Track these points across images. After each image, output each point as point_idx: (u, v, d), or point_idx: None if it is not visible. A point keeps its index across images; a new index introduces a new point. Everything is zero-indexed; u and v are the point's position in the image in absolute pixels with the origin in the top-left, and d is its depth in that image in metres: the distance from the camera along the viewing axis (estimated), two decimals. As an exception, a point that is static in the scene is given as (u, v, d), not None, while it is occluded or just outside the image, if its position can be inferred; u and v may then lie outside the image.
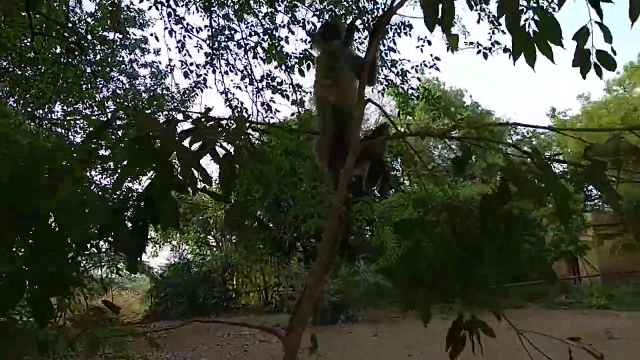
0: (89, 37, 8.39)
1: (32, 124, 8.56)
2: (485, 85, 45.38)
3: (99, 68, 8.77)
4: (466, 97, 26.64)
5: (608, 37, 1.58)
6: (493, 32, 6.00)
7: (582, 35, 1.61)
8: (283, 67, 5.76)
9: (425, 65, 5.99)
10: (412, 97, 6.66)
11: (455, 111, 21.05)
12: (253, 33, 5.87)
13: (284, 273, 15.39)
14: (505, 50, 5.89)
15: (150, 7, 6.28)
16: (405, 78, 6.09)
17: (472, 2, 5.76)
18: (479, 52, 5.70)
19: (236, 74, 6.23)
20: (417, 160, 15.58)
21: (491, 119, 23.85)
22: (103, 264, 10.58)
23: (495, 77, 46.44)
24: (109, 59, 9.03)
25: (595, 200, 19.60)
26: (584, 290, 15.31)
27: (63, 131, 10.28)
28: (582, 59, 1.65)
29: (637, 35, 1.75)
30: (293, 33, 5.97)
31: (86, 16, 8.72)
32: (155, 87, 10.46)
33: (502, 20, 1.64)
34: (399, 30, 6.06)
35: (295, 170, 8.46)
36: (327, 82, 2.45)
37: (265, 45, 5.75)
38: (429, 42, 6.04)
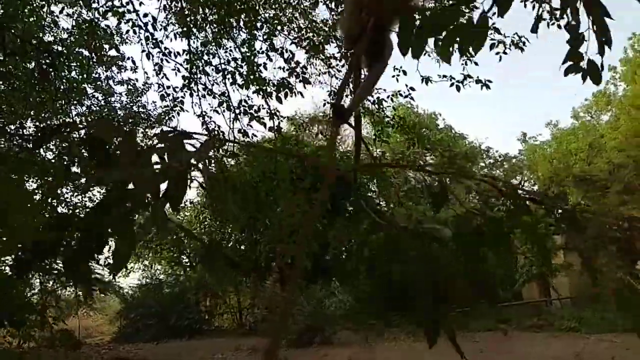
0: (64, 52, 8.26)
1: (2, 139, 8.34)
2: (459, 109, 46.49)
3: (75, 85, 8.63)
4: (440, 121, 27.19)
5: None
6: (465, 64, 6.20)
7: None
8: (261, 93, 5.80)
9: (401, 95, 6.15)
10: (389, 124, 6.80)
11: (429, 133, 21.43)
12: (231, 59, 5.92)
13: (259, 294, 15.20)
14: (477, 81, 6.10)
15: (128, 31, 6.27)
16: (381, 107, 6.22)
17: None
18: (452, 84, 5.87)
19: (214, 97, 6.25)
20: (394, 183, 15.76)
21: (464, 143, 24.36)
22: (71, 283, 10.25)
23: (469, 101, 47.65)
24: (85, 75, 8.89)
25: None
26: (556, 312, 15.51)
27: (34, 147, 10.02)
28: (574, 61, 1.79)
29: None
30: (271, 60, 6.06)
31: (62, 33, 8.59)
32: (132, 105, 10.33)
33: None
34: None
35: (273, 191, 8.44)
36: None
37: (243, 71, 5.79)
38: (405, 72, 6.20)
